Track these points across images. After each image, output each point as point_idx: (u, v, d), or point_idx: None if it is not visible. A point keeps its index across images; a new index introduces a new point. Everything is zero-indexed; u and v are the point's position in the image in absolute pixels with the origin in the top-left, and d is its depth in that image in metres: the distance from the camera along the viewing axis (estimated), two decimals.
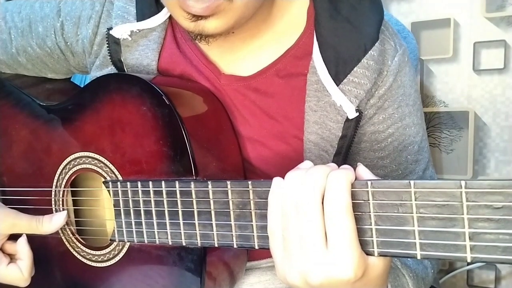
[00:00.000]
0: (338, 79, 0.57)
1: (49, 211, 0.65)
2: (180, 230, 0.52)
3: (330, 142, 0.59)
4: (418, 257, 0.38)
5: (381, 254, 0.40)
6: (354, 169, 0.42)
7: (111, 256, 0.60)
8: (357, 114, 0.57)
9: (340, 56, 0.57)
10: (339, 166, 0.61)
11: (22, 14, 0.69)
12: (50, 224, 0.61)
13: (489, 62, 1.01)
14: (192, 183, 0.50)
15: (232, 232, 0.48)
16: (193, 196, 0.50)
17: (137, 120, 0.56)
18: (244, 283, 0.66)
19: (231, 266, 0.60)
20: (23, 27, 0.69)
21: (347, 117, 0.58)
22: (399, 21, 0.94)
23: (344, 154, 0.61)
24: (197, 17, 0.50)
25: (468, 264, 1.10)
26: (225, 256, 0.58)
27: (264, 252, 0.65)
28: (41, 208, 0.66)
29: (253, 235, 0.47)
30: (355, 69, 0.56)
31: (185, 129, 0.53)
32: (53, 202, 0.65)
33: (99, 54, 0.66)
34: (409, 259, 0.57)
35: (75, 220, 0.65)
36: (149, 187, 0.53)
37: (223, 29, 0.52)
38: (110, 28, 0.63)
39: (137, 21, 0.63)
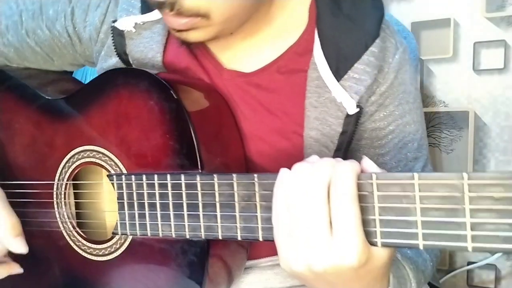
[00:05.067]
0: (338, 75, 0.57)
1: (51, 204, 0.65)
2: (184, 222, 0.52)
3: (330, 138, 0.60)
4: (421, 247, 0.38)
5: (384, 245, 0.40)
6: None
7: (112, 250, 0.60)
8: (358, 109, 0.58)
9: (341, 52, 0.57)
10: None
11: None
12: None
13: (489, 62, 1.01)
14: (198, 176, 0.50)
15: (236, 224, 0.48)
16: (199, 188, 0.50)
17: (144, 114, 0.56)
18: (243, 282, 0.66)
19: (231, 262, 0.60)
20: (34, 10, 0.69)
21: (347, 113, 0.58)
22: (399, 21, 0.95)
23: (345, 150, 0.62)
24: (178, 30, 0.53)
25: (469, 264, 1.11)
26: (226, 251, 0.58)
27: (264, 251, 0.66)
28: (43, 201, 0.66)
29: (258, 226, 0.47)
30: (355, 65, 0.57)
31: (192, 123, 0.53)
32: (54, 196, 0.65)
33: (105, 44, 0.66)
34: (409, 251, 0.58)
35: (76, 214, 0.65)
36: (154, 180, 0.54)
37: (206, 39, 0.54)
38: (115, 20, 0.64)
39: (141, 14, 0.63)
